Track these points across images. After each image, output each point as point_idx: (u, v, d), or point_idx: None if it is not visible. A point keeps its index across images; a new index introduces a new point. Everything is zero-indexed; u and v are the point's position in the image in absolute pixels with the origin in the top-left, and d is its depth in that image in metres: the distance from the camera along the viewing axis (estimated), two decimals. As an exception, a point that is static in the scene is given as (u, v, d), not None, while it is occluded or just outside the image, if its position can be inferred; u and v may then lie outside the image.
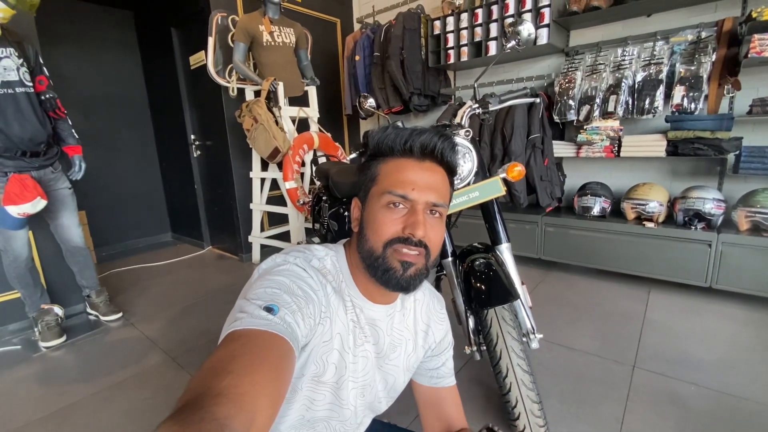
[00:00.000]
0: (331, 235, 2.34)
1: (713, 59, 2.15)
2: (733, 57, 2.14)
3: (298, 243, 2.65)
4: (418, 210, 0.62)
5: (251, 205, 3.31)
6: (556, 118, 2.59)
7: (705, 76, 2.14)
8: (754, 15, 1.96)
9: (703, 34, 2.22)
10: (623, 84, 2.34)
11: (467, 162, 1.32)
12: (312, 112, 3.16)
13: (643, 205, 2.39)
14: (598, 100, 2.43)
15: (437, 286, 1.70)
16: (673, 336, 1.84)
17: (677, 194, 2.34)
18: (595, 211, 2.55)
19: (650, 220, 2.39)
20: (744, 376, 1.54)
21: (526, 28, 1.24)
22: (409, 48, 3.14)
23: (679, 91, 2.18)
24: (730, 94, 2.23)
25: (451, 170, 0.69)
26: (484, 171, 1.41)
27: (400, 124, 1.29)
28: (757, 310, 2.06)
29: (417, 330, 0.79)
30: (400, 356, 0.76)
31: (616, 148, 2.41)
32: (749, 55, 1.95)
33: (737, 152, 2.11)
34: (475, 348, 1.33)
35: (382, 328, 0.72)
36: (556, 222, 2.63)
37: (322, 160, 2.99)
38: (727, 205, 2.18)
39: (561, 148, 2.65)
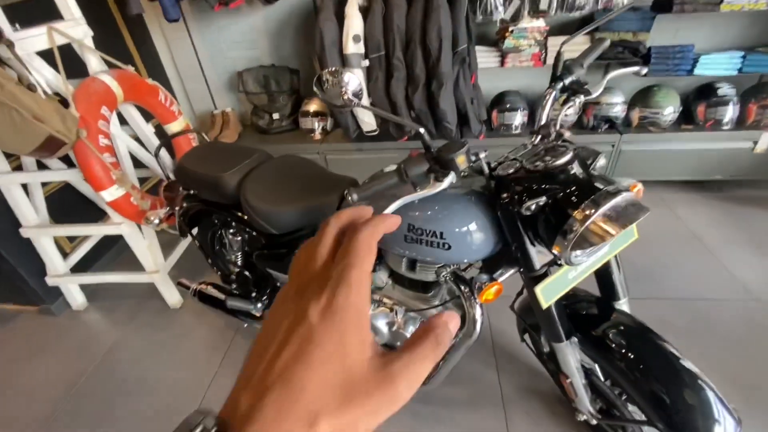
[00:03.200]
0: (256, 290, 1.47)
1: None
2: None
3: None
4: None
5: (23, 231, 1.79)
6: (479, 18, 2.03)
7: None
8: None
9: None
10: (557, -28, 1.90)
11: None
12: (77, 28, 1.59)
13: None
14: (528, -7, 1.95)
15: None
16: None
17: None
18: (516, 124, 2.37)
19: (563, 127, 2.39)
20: (687, 273, 1.88)
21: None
22: None
23: (609, -17, 1.92)
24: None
25: None
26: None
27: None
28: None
29: None
30: None
31: (544, 55, 2.12)
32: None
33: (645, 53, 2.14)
34: None
35: None
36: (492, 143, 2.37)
37: (172, 129, 1.70)
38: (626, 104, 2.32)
39: (484, 57, 2.18)
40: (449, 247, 0.89)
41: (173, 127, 2.01)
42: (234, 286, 1.56)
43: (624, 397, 1.05)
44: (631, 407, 1.04)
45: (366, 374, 0.21)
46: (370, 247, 0.24)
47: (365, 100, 2.17)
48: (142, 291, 2.08)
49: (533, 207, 0.76)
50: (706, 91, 2.20)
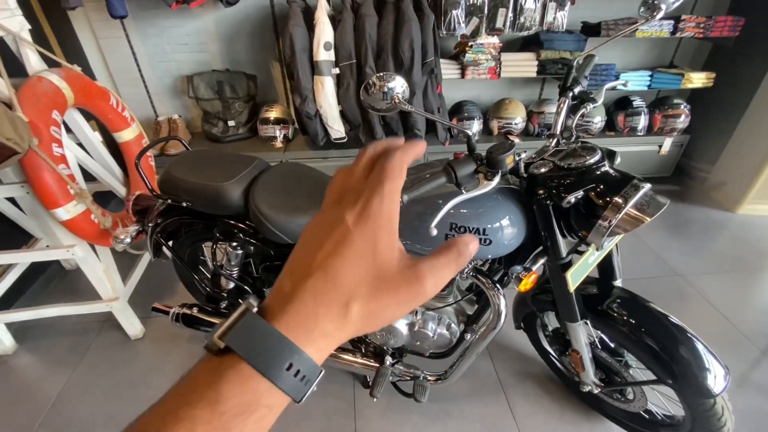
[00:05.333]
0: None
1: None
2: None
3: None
4: None
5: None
6: (443, 32, 2.16)
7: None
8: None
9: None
10: (510, -5, 2.11)
11: None
12: (13, 19, 1.35)
13: (509, 122, 2.58)
14: (486, 12, 2.14)
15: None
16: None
17: (532, 108, 2.62)
18: (474, 131, 2.56)
19: (512, 134, 2.64)
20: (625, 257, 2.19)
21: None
22: None
23: (551, 8, 2.19)
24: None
25: None
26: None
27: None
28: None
29: None
30: None
31: (498, 69, 2.33)
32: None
33: (578, 69, 2.46)
34: None
35: None
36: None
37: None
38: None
39: (446, 70, 2.32)
40: (490, 242, 0.96)
41: (125, 135, 1.80)
42: (224, 304, 1.44)
43: (622, 363, 1.21)
44: (631, 371, 1.20)
45: (394, 271, 0.25)
46: (401, 168, 0.27)
47: (336, 108, 2.17)
48: (86, 324, 1.80)
49: (572, 200, 0.86)
50: (624, 103, 2.61)
